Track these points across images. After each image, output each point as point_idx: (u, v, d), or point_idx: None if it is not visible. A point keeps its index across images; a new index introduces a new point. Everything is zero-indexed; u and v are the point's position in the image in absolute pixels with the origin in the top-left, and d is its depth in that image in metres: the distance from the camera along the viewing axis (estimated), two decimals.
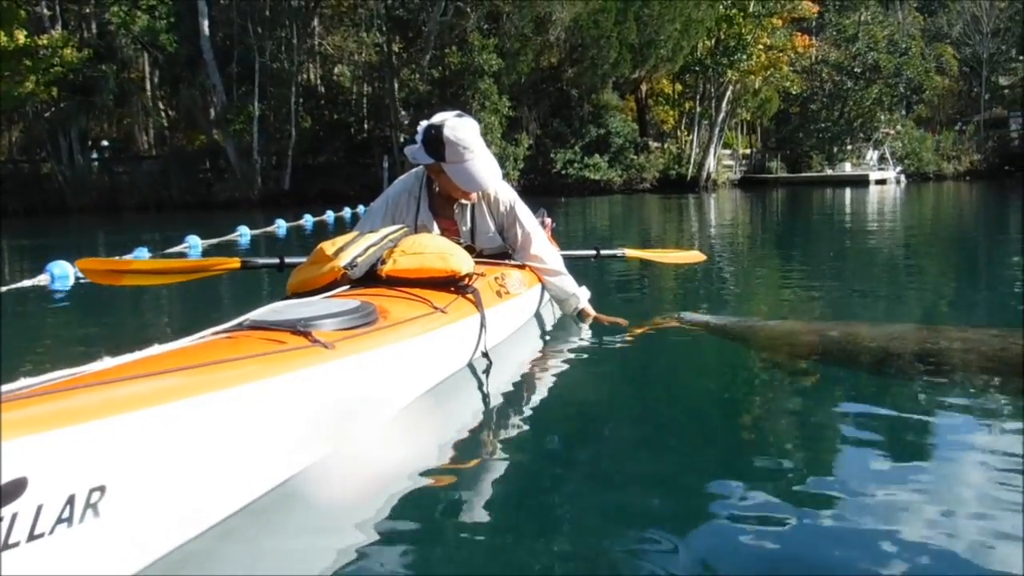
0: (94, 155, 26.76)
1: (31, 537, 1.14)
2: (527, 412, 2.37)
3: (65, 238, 13.37)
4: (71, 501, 1.19)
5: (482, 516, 1.66)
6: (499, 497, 1.75)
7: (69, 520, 1.19)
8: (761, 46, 28.62)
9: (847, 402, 2.38)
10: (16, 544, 1.12)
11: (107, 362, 1.47)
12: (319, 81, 28.03)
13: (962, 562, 1.35)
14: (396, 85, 24.82)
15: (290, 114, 24.74)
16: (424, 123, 3.10)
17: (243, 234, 9.40)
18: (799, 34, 32.07)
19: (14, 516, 1.11)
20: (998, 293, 4.69)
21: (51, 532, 1.17)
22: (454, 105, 22.00)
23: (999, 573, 1.31)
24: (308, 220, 12.04)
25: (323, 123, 27.26)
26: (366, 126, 27.31)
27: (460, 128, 3.01)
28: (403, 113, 25.07)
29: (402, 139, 25.07)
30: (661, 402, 2.56)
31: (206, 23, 24.01)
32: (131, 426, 1.31)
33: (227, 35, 24.51)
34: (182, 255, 7.21)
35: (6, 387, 1.25)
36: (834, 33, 34.48)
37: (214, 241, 8.54)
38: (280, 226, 10.81)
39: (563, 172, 25.95)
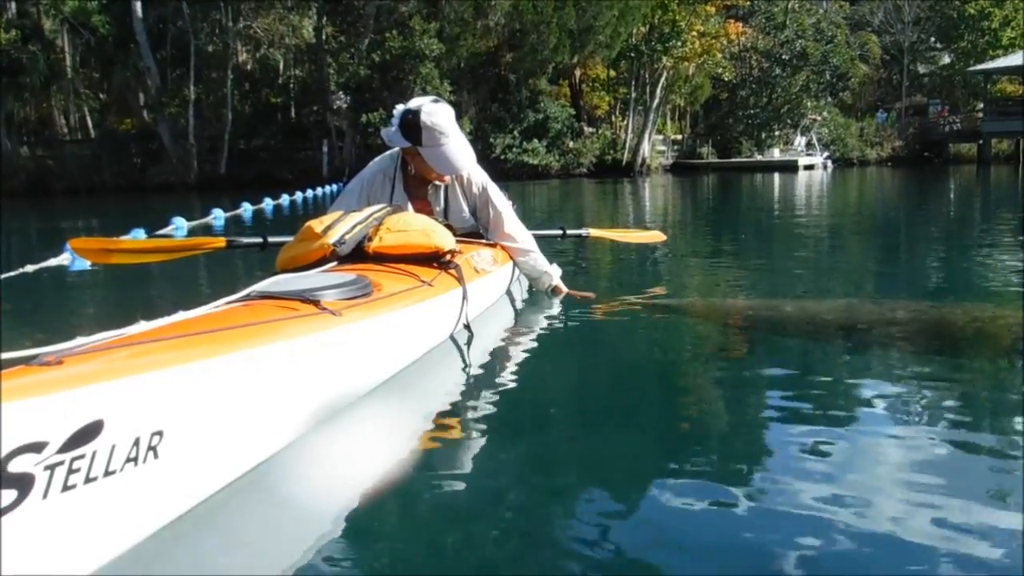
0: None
1: (106, 473, 1.26)
2: (509, 385, 2.50)
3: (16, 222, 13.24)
4: (137, 443, 1.32)
5: (459, 489, 1.72)
6: (483, 468, 1.83)
7: (136, 460, 1.32)
8: (695, 33, 29.07)
9: (788, 376, 2.52)
10: (95, 479, 1.25)
11: (143, 325, 1.56)
12: (255, 64, 27.59)
13: (891, 534, 1.42)
14: (333, 70, 24.59)
15: (226, 97, 24.39)
16: (400, 107, 3.21)
17: (217, 216, 9.84)
18: (732, 21, 32.60)
19: (94, 453, 1.23)
20: (914, 269, 5.14)
21: (121, 469, 1.29)
22: (395, 89, 21.94)
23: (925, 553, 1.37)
24: (268, 203, 12.66)
25: (258, 106, 26.88)
26: (294, 111, 26.99)
27: (436, 113, 3.14)
28: (334, 95, 24.84)
29: (334, 123, 24.94)
30: (617, 374, 2.71)
31: (139, 4, 23.47)
32: (184, 378, 1.44)
33: (160, 16, 24.01)
34: (168, 236, 7.44)
35: (66, 344, 1.35)
36: (763, 20, 35.08)
37: (199, 222, 9.09)
38: (246, 208, 11.37)
39: (502, 157, 25.93)
